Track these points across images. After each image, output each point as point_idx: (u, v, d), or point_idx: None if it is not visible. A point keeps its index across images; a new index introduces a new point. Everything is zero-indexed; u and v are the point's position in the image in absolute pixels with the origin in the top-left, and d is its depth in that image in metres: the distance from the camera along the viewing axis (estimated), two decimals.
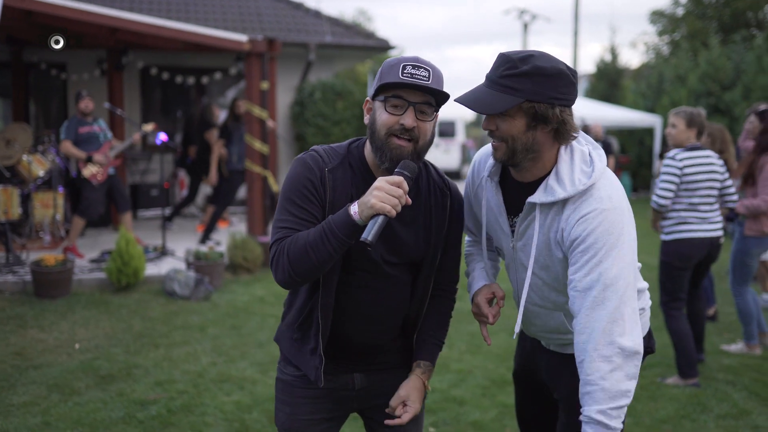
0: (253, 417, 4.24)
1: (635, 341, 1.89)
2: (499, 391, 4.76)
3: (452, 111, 20.08)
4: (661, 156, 15.19)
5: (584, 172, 2.00)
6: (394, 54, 32.81)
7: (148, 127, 8.03)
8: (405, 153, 1.95)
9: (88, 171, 7.65)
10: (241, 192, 10.91)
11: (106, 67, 10.67)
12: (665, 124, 15.67)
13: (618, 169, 16.00)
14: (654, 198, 4.90)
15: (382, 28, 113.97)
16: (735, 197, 5.02)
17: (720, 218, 4.96)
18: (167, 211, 9.74)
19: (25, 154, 8.11)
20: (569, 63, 2.12)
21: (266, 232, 8.91)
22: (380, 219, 1.82)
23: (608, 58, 22.96)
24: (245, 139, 8.68)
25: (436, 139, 15.92)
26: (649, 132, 17.97)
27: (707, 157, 4.85)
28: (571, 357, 2.30)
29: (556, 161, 2.04)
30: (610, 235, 1.92)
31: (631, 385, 1.88)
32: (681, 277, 4.89)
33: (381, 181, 1.85)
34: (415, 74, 1.91)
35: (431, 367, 2.20)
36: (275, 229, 2.01)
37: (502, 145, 2.00)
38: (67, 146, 7.67)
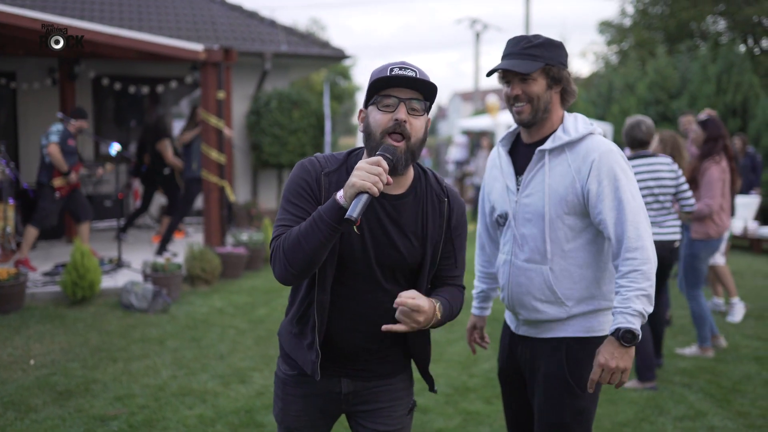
0: (216, 430, 4.19)
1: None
2: (461, 398, 4.80)
3: None
4: None
5: (586, 127, 2.50)
6: (348, 63, 32.66)
7: (109, 166, 8.32)
8: (399, 152, 2.01)
9: (59, 182, 7.58)
10: (198, 202, 10.78)
11: (58, 77, 10.45)
12: (616, 132, 16.04)
13: None
14: None
15: (336, 36, 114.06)
16: (691, 201, 5.16)
17: (676, 222, 5.10)
18: (121, 222, 9.58)
19: None
20: None
21: (224, 242, 8.83)
22: (363, 197, 1.87)
23: None
24: (201, 149, 8.61)
25: None
26: None
27: (651, 164, 5.01)
28: (545, 342, 2.56)
29: (561, 121, 2.55)
30: (612, 172, 2.40)
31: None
32: None
33: (361, 162, 1.92)
34: (401, 74, 2.02)
35: (441, 306, 2.11)
36: (274, 228, 2.08)
37: (527, 107, 2.50)
38: (56, 151, 7.60)
